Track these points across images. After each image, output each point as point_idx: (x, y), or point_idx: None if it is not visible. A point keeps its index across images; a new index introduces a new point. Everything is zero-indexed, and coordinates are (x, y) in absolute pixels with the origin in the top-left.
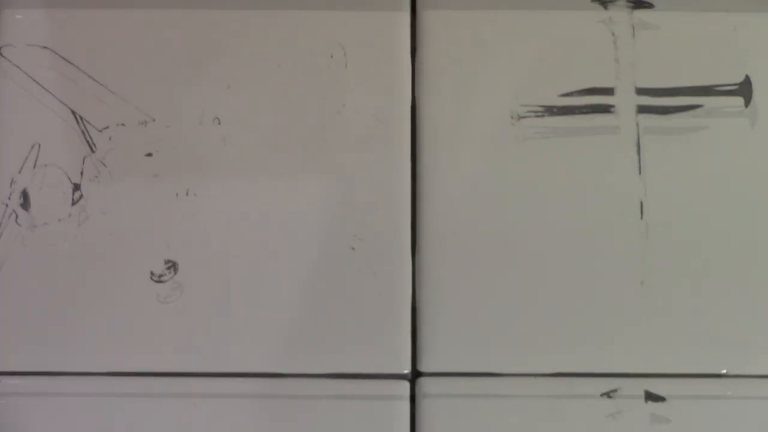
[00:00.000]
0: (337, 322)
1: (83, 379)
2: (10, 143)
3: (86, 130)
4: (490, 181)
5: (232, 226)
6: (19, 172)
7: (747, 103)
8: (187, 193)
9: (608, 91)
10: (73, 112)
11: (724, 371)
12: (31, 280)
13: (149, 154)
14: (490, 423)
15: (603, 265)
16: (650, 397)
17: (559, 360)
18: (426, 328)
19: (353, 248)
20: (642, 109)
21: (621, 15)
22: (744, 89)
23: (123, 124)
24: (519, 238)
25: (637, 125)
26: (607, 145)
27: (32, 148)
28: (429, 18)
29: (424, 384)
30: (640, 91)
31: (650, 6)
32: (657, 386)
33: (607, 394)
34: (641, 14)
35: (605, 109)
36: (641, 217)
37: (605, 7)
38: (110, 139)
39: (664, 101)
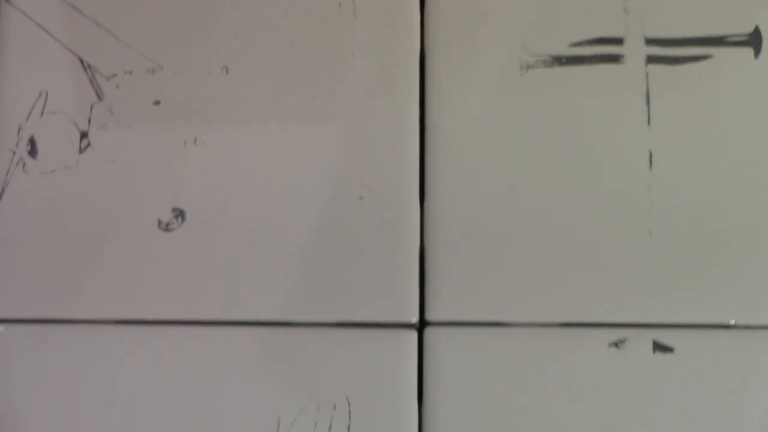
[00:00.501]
0: (345, 271)
1: (89, 327)
2: (18, 91)
3: (94, 77)
4: (499, 131)
5: (240, 174)
6: (27, 119)
7: (756, 54)
8: (195, 142)
9: (618, 41)
10: (81, 60)
11: (733, 322)
12: (37, 228)
13: (157, 102)
14: (498, 372)
15: (611, 214)
16: (658, 347)
17: (567, 310)
18: (434, 277)
19: (361, 197)
20: (651, 60)
21: None
22: (754, 39)
23: (130, 72)
24: (527, 188)
25: (647, 75)
26: (616, 96)
27: (39, 95)
28: None
29: (432, 333)
30: (650, 42)
31: None
32: (665, 336)
33: (615, 344)
34: None
35: (614, 59)
36: (650, 168)
37: None
38: (118, 87)
39: (673, 51)
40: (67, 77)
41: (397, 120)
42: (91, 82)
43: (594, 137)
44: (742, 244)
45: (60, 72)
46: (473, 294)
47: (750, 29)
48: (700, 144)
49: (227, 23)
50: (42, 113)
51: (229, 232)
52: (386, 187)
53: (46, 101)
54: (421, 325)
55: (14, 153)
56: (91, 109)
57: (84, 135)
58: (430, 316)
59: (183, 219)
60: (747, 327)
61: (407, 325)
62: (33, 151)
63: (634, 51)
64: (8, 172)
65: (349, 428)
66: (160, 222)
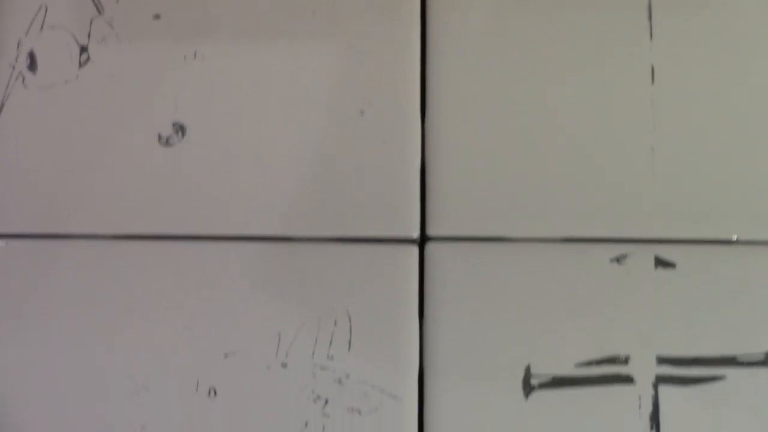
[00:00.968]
0: (346, 187)
1: (89, 242)
2: (17, 5)
3: None
4: (500, 46)
5: (241, 89)
6: (26, 34)
7: None
8: (195, 56)
9: None
10: None
11: (735, 237)
12: (37, 143)
13: (157, 16)
14: (499, 287)
15: (614, 130)
16: (660, 263)
17: (569, 225)
18: (435, 192)
19: (362, 112)
20: None
21: None
22: None
23: None
24: (529, 102)
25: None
26: (615, 14)
27: (39, 9)
28: None
29: (433, 248)
30: None
31: None
32: (667, 252)
33: (617, 260)
34: None
35: None
36: (652, 83)
37: None
38: (117, 0)
39: None
40: None
41: (399, 36)
42: None
43: (596, 52)
44: (744, 160)
45: None
46: (474, 209)
47: None
48: (702, 58)
49: None
50: (41, 27)
51: (230, 147)
52: (387, 102)
53: (45, 15)
54: (422, 240)
55: (13, 68)
56: (91, 23)
57: (83, 49)
58: (431, 231)
59: (183, 134)
60: (749, 242)
61: (408, 240)
62: (32, 66)
63: None
64: (8, 86)
65: (350, 343)
66: (160, 137)
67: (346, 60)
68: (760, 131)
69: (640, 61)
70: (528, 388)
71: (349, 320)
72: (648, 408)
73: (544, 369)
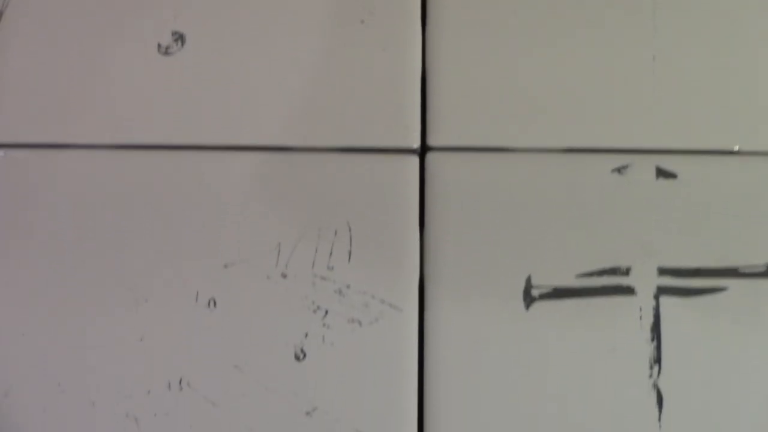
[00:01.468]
0: (346, 96)
1: (88, 151)
2: None
3: None
4: None
5: None
6: None
7: None
8: None
9: None
10: None
11: (737, 147)
12: (37, 52)
13: None
14: (500, 198)
15: (615, 40)
16: (661, 173)
17: (570, 135)
18: (436, 102)
19: (362, 21)
20: None
21: None
22: None
23: None
24: (532, 11)
25: None
26: None
27: None
28: None
29: (434, 158)
30: None
31: None
32: (668, 162)
33: (618, 170)
34: None
35: None
36: None
37: None
38: None
39: None
40: None
41: None
42: None
43: None
44: (747, 69)
45: None
46: (476, 119)
47: None
48: None
49: None
50: None
51: (229, 56)
52: (388, 10)
53: None
54: (423, 150)
55: None
56: None
57: None
58: (431, 141)
59: (183, 42)
60: (750, 153)
61: (409, 150)
62: None
63: None
64: None
65: (350, 254)
66: (159, 45)
67: None
68: (763, 40)
69: None
70: (529, 299)
71: (350, 231)
72: (649, 319)
73: (545, 280)
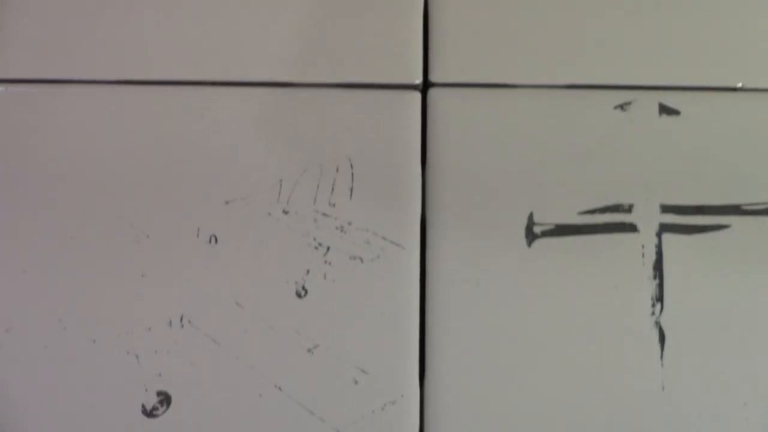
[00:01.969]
0: (348, 32)
1: (89, 87)
2: None
3: None
4: None
5: None
6: None
7: None
8: None
9: None
10: None
11: (740, 84)
12: None
13: None
14: (502, 134)
15: None
16: (664, 110)
17: (573, 71)
18: (438, 37)
19: None
20: None
21: None
22: None
23: None
24: None
25: None
26: None
27: None
28: None
29: (436, 95)
30: None
31: None
32: (671, 99)
33: (621, 107)
34: None
35: None
36: None
37: None
38: None
39: None
40: None
41: None
42: None
43: None
44: (751, 5)
45: None
46: (478, 55)
47: None
48: None
49: None
50: None
51: None
52: None
53: None
54: (425, 87)
55: None
56: None
57: None
58: (433, 77)
59: None
60: (754, 90)
61: (410, 86)
62: None
63: None
64: None
65: (351, 190)
66: None
67: None
68: None
69: None
70: (531, 236)
71: (351, 167)
72: (651, 257)
73: (547, 217)
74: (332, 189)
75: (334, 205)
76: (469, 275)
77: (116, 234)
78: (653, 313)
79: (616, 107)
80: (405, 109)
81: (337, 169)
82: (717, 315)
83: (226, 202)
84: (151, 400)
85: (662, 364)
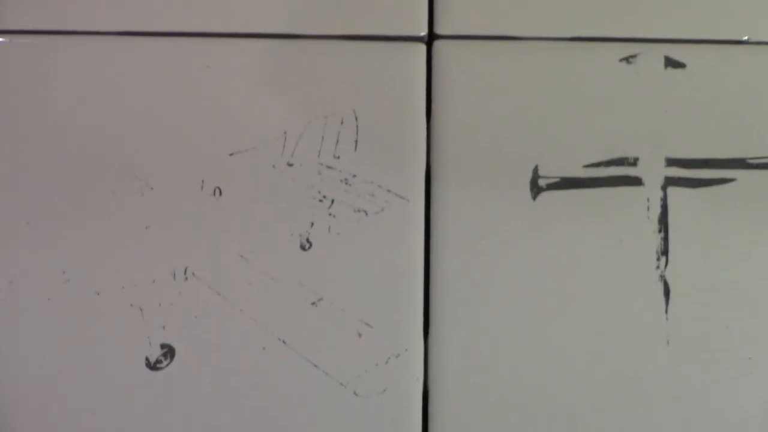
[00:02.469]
0: None
1: (92, 38)
2: None
3: None
4: None
5: None
6: None
7: None
8: None
9: None
10: None
11: (746, 37)
12: None
13: None
14: (507, 87)
15: None
16: (670, 63)
17: (578, 24)
18: None
19: None
20: None
21: None
22: None
23: None
24: None
25: None
26: None
27: None
28: None
29: (441, 47)
30: None
31: None
32: (677, 52)
33: (626, 60)
34: None
35: None
36: None
37: None
38: None
39: None
40: None
41: None
42: None
43: None
44: None
45: None
46: (483, 7)
47: None
48: None
49: None
50: None
51: None
52: None
53: None
54: (430, 39)
55: None
56: None
57: None
58: (439, 29)
59: None
60: (760, 43)
61: (415, 39)
62: None
63: None
64: None
65: (356, 142)
66: None
67: None
68: None
69: None
70: (536, 189)
71: (356, 119)
72: (656, 210)
73: (552, 170)
74: (337, 141)
75: (338, 157)
76: (474, 228)
77: (120, 186)
78: (658, 267)
79: (621, 60)
80: (410, 61)
81: (342, 122)
82: (722, 269)
83: (231, 155)
84: (155, 353)
85: (667, 319)
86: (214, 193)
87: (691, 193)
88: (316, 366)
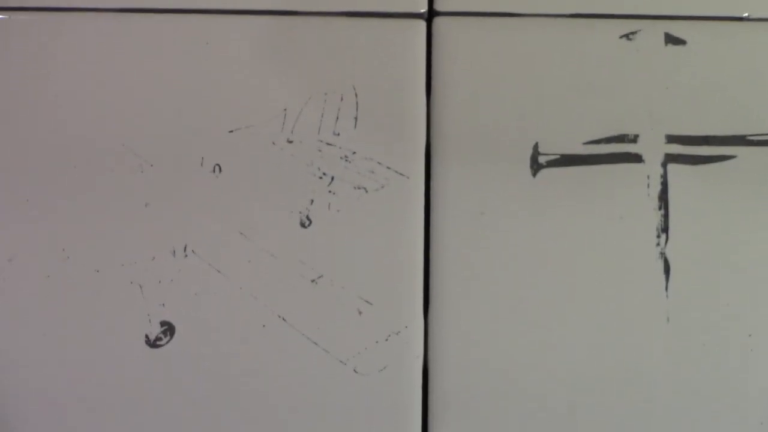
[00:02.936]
0: None
1: (93, 15)
2: None
3: None
4: None
5: None
6: None
7: None
8: None
9: None
10: None
11: (746, 14)
12: None
13: None
14: (507, 64)
15: None
16: (670, 39)
17: (578, 0)
18: None
19: None
20: None
21: None
22: None
23: None
24: None
25: None
26: None
27: None
28: None
29: (441, 23)
30: None
31: None
32: (677, 28)
33: (627, 36)
34: None
35: None
36: None
37: None
38: None
39: None
40: None
41: None
42: None
43: None
44: None
45: None
46: None
47: None
48: None
49: None
50: None
51: None
52: None
53: None
54: (430, 15)
55: None
56: None
57: None
58: (439, 5)
59: None
60: (760, 20)
61: (415, 15)
62: None
63: None
64: None
65: (356, 119)
66: None
67: None
68: None
69: None
70: (536, 166)
71: (356, 96)
72: (657, 187)
73: (553, 147)
74: (337, 118)
75: (338, 134)
76: (474, 205)
77: (120, 164)
78: (658, 244)
79: (621, 37)
80: (410, 37)
81: (342, 99)
82: (722, 246)
83: (230, 132)
84: (155, 331)
85: (667, 296)
86: (214, 171)
87: (692, 170)
88: (316, 343)
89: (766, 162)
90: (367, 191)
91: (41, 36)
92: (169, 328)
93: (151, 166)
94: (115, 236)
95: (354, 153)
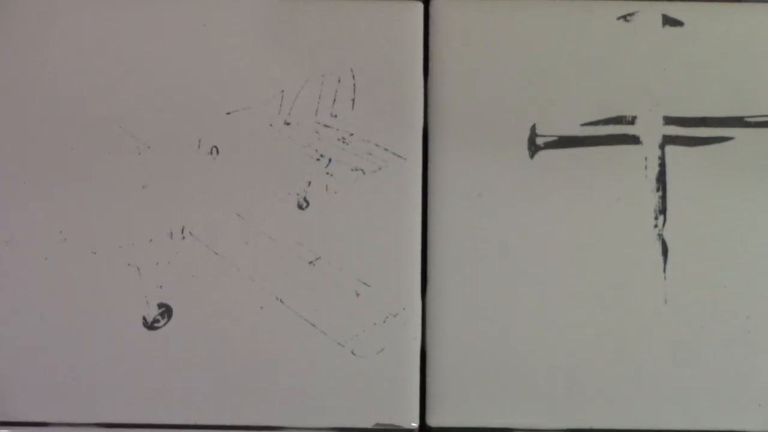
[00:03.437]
0: None
1: None
2: None
3: None
4: None
5: None
6: None
7: None
8: None
9: None
10: None
11: None
12: None
13: None
14: (504, 46)
15: None
16: (668, 21)
17: None
18: None
19: None
20: None
21: None
22: None
23: None
24: None
25: None
26: None
27: None
28: None
29: (439, 5)
30: None
31: None
32: (675, 10)
33: (624, 18)
34: None
35: None
36: None
37: None
38: None
39: None
40: None
41: None
42: None
43: None
44: None
45: None
46: None
47: None
48: None
49: None
50: None
51: None
52: None
53: None
54: None
55: None
56: None
57: None
58: None
59: None
60: (757, 1)
61: None
62: None
63: None
64: None
65: (353, 101)
66: None
67: None
68: None
69: None
70: (533, 147)
71: (353, 78)
72: (654, 169)
73: (550, 129)
74: (334, 100)
75: (335, 116)
76: (471, 187)
77: (117, 145)
78: (656, 226)
79: (619, 18)
80: (407, 19)
81: (339, 80)
82: (720, 228)
83: (228, 113)
84: (152, 313)
85: (665, 278)
86: (211, 152)
87: (689, 151)
88: (313, 325)
89: (764, 143)
90: (364, 173)
91: (38, 18)
92: (166, 310)
93: (149, 148)
94: (112, 218)
95: (351, 135)
